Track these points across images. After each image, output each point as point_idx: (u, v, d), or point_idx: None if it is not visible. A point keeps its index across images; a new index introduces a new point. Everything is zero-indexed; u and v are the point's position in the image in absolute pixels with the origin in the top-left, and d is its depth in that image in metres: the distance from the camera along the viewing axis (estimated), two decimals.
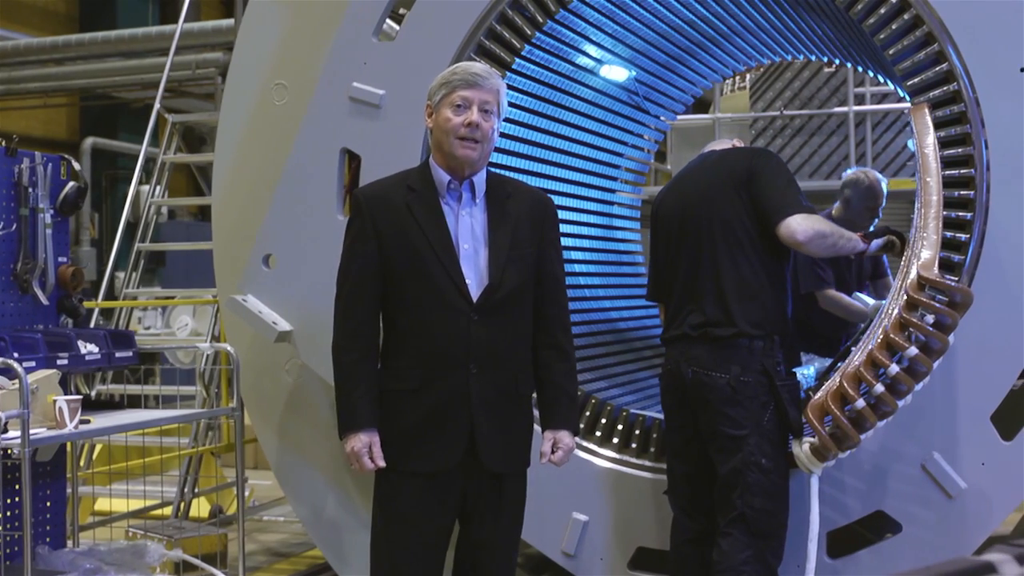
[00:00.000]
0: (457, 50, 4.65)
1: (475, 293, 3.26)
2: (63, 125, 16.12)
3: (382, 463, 3.27)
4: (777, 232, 3.85)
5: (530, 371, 3.42)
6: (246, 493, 7.07)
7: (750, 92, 10.36)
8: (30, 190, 4.83)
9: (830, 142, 10.07)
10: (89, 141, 15.14)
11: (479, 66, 3.40)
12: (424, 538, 3.31)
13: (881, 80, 5.88)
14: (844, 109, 9.80)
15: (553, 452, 3.41)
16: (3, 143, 4.84)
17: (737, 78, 10.74)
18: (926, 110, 4.07)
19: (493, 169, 3.48)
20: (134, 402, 6.33)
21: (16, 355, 4.33)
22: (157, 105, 7.57)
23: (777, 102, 10.16)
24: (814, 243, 3.85)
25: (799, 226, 3.82)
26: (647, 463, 4.42)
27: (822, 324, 5.73)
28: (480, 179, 3.37)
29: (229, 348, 4.89)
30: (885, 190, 6.05)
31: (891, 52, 4.17)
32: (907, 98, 5.57)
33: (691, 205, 4.07)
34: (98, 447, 6.74)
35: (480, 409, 3.26)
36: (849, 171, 6.32)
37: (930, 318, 3.65)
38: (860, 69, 6.01)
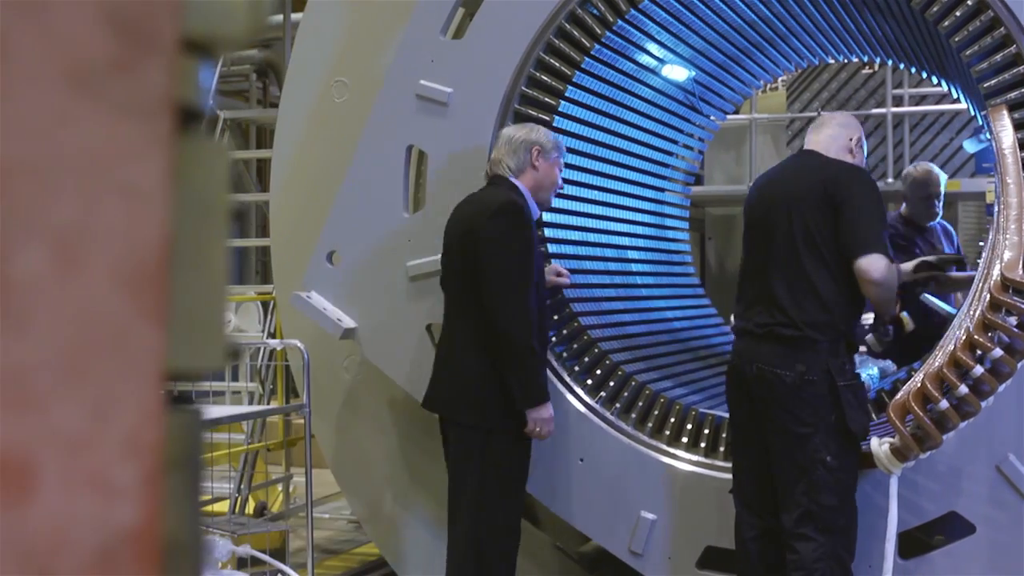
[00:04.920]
0: (526, 49, 4.65)
1: None
2: None
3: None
4: (856, 263, 3.89)
5: None
6: (290, 489, 7.10)
7: (787, 93, 10.31)
8: None
9: (867, 143, 10.01)
10: None
11: None
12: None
13: (935, 82, 5.88)
14: (882, 111, 9.73)
15: None
16: None
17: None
18: (1005, 111, 4.06)
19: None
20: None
21: None
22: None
23: (815, 103, 10.10)
24: (882, 288, 3.91)
25: (878, 267, 3.87)
26: (717, 462, 4.42)
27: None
28: None
29: (299, 344, 4.87)
30: (941, 179, 6.12)
31: (967, 53, 4.16)
32: (962, 100, 5.62)
33: (777, 205, 4.08)
34: None
35: None
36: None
37: (1013, 319, 3.64)
38: (914, 71, 6.01)
